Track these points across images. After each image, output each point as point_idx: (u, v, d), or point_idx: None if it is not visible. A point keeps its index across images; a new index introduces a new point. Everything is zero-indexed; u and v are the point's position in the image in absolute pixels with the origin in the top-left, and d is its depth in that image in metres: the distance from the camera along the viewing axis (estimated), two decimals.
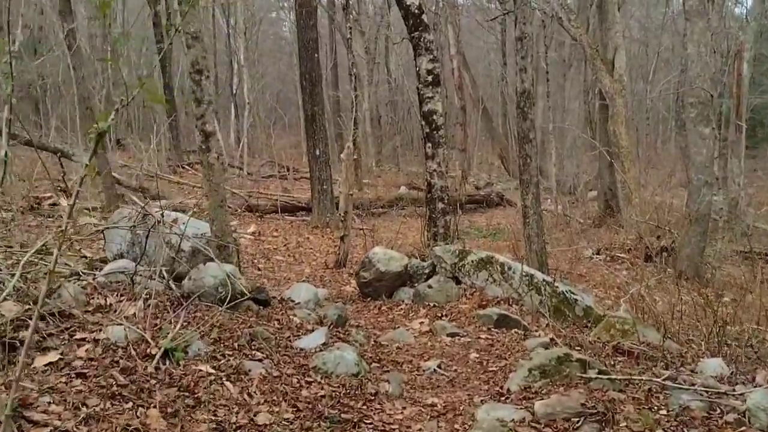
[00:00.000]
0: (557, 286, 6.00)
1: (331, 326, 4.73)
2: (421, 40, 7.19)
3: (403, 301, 6.30)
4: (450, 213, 7.36)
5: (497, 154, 28.53)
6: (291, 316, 4.63)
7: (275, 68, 33.14)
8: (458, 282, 6.37)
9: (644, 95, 25.68)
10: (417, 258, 7.97)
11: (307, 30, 12.83)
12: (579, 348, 5.05)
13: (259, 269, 8.43)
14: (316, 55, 12.95)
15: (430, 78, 7.23)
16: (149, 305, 4.13)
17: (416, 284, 6.54)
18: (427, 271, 6.65)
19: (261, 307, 4.87)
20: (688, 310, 7.41)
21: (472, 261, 6.34)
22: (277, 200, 14.21)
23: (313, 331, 4.40)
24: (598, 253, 12.81)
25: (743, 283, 11.69)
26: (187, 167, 19.76)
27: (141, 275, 4.62)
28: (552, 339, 5.11)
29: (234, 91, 25.61)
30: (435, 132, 7.27)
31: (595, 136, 27.37)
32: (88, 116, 11.36)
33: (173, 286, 4.69)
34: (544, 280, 6.09)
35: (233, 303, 4.41)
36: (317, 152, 12.91)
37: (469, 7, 32.56)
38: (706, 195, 10.67)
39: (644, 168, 23.84)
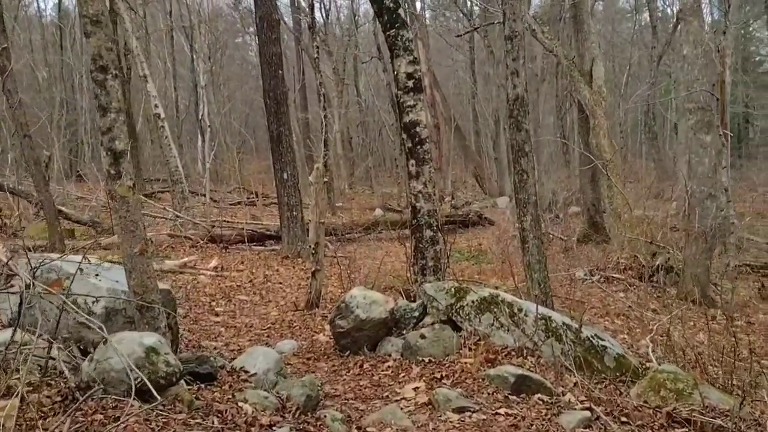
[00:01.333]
0: (581, 331, 4.69)
1: (298, 413, 3.35)
2: (399, 38, 5.90)
3: (389, 356, 4.94)
4: (440, 242, 6.03)
5: (471, 173, 27.41)
6: (240, 403, 3.22)
7: (242, 92, 31.73)
8: (456, 328, 5.03)
9: (616, 108, 24.83)
10: (403, 296, 6.63)
11: (270, 44, 11.50)
12: (625, 419, 3.74)
13: (217, 314, 7.00)
14: (280, 71, 11.63)
15: (410, 83, 5.92)
16: (29, 403, 2.73)
17: (405, 332, 5.18)
18: (416, 314, 5.30)
19: (202, 385, 3.49)
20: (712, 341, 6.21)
21: (473, 302, 5.00)
22: (243, 229, 12.76)
23: (271, 428, 3.01)
24: (591, 274, 11.58)
25: (748, 301, 10.60)
26: (147, 197, 18.18)
27: (31, 352, 3.19)
28: (590, 408, 3.78)
29: (200, 116, 24.16)
30: (419, 147, 5.96)
31: (568, 150, 26.43)
32: (26, 145, 9.87)
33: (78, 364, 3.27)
34: (564, 323, 4.77)
35: (158, 389, 3.00)
36: (285, 175, 11.53)
37: (436, 27, 31.61)
38: (709, 208, 9.52)
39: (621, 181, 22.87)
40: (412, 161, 5.99)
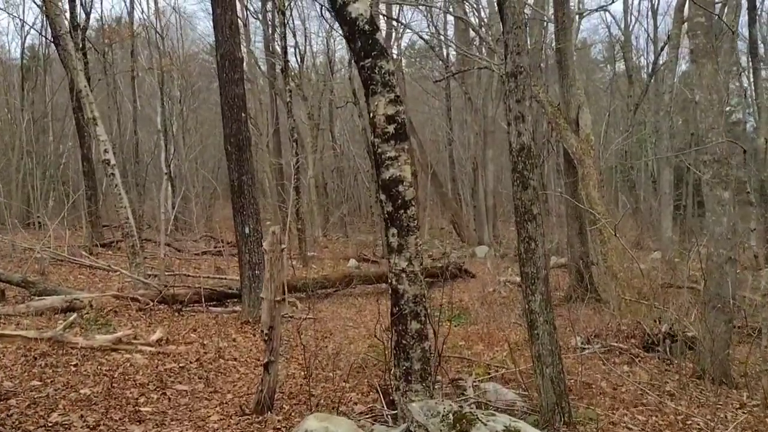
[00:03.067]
0: None
1: None
2: (376, 70, 4.37)
3: None
4: (428, 337, 4.40)
5: (449, 220, 25.97)
6: None
7: (214, 137, 30.14)
8: None
9: (599, 156, 23.72)
10: (381, 398, 4.98)
11: (232, 85, 9.98)
12: None
13: (140, 421, 5.23)
14: (242, 114, 10.10)
15: (391, 128, 4.37)
16: None
17: None
18: None
19: None
20: None
21: None
22: (200, 287, 10.99)
23: None
24: (588, 343, 10.00)
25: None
26: (105, 247, 16.35)
27: None
28: None
29: (168, 162, 22.46)
30: (402, 211, 4.38)
31: (547, 198, 25.16)
32: None
33: None
34: None
35: None
36: (246, 230, 9.89)
37: (412, 73, 30.54)
38: (729, 273, 8.05)
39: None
40: (393, 230, 4.41)
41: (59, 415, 4.93)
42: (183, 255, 17.31)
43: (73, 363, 6.54)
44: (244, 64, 12.35)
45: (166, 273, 12.42)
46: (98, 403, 5.44)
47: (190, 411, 5.67)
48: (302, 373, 7.19)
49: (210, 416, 5.44)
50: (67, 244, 15.30)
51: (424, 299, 4.37)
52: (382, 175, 4.43)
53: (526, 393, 6.27)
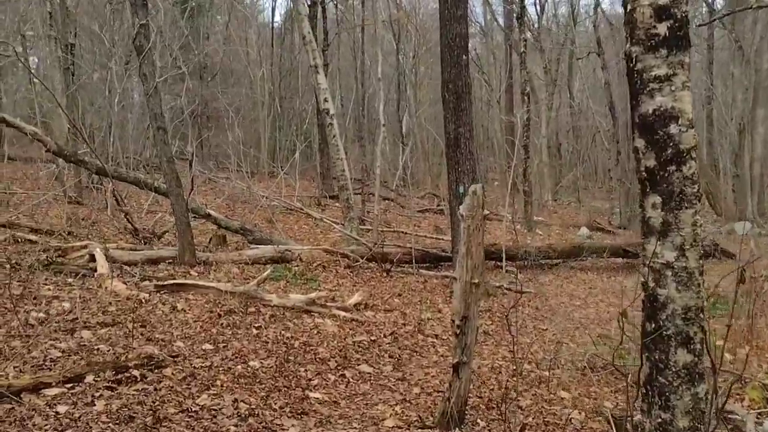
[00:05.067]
0: None
1: None
2: None
3: None
4: (703, 378, 2.57)
5: (702, 190, 21.97)
6: None
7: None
8: None
9: None
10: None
11: (453, 22, 8.50)
12: None
13: (300, 414, 4.14)
14: (464, 56, 8.58)
15: (662, 28, 2.55)
16: None
17: None
18: None
19: None
20: None
21: None
22: (411, 248, 9.92)
23: None
24: None
25: None
26: (333, 198, 16.18)
27: None
28: None
29: (399, 118, 21.86)
30: (673, 167, 2.57)
31: None
32: (159, 139, 7.94)
33: None
34: None
35: None
36: (461, 189, 8.47)
37: None
38: None
39: None
40: (654, 198, 2.61)
41: (211, 396, 4.04)
42: (404, 212, 16.56)
43: (256, 325, 5.75)
44: (479, 17, 10.79)
45: (380, 229, 11.58)
46: (263, 382, 4.49)
47: (365, 405, 4.48)
48: (508, 368, 5.66)
49: (384, 419, 4.19)
50: (296, 194, 15.36)
51: (701, 315, 2.55)
52: (641, 107, 2.64)
53: None
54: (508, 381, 5.27)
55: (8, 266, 6.12)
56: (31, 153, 15.86)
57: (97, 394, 3.71)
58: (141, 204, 12.19)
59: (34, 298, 5.46)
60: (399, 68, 21.97)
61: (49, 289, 5.86)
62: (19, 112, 16.09)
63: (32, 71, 12.95)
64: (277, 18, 38.00)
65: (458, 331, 4.00)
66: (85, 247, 7.04)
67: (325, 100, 10.54)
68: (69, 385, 3.73)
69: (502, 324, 7.64)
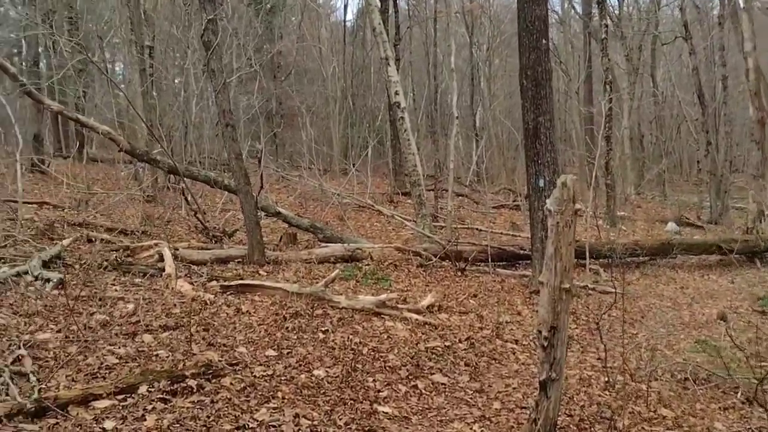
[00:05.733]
0: None
1: None
2: None
3: None
4: None
5: None
6: None
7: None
8: None
9: None
10: None
11: (531, 4, 7.87)
12: None
13: (368, 431, 3.72)
14: (543, 41, 7.93)
15: None
16: None
17: None
18: None
19: None
20: None
21: None
22: (486, 245, 9.35)
23: None
24: None
25: None
26: (406, 195, 15.74)
27: None
28: None
29: (474, 112, 21.17)
30: None
31: None
32: (228, 135, 7.73)
33: None
34: None
35: None
36: (540, 182, 7.86)
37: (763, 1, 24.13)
38: None
39: None
40: None
41: (270, 410, 3.68)
42: (479, 208, 15.93)
43: (323, 329, 5.38)
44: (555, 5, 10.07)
45: (454, 226, 11.05)
46: (328, 394, 4.10)
47: (439, 422, 4.02)
48: (599, 379, 5.04)
49: None
50: (368, 191, 15.03)
51: None
52: None
53: None
54: (600, 396, 4.67)
55: (77, 266, 6.01)
56: (114, 154, 16.28)
57: (149, 407, 3.41)
58: (215, 203, 12.18)
59: (100, 300, 5.29)
60: (472, 61, 21.27)
61: (116, 290, 5.71)
62: (107, 116, 16.52)
63: (107, 74, 13.18)
64: (350, 16, 37.93)
65: (546, 344, 3.47)
66: (155, 246, 6.90)
67: (396, 93, 10.10)
68: (120, 397, 3.46)
69: (588, 327, 6.99)
